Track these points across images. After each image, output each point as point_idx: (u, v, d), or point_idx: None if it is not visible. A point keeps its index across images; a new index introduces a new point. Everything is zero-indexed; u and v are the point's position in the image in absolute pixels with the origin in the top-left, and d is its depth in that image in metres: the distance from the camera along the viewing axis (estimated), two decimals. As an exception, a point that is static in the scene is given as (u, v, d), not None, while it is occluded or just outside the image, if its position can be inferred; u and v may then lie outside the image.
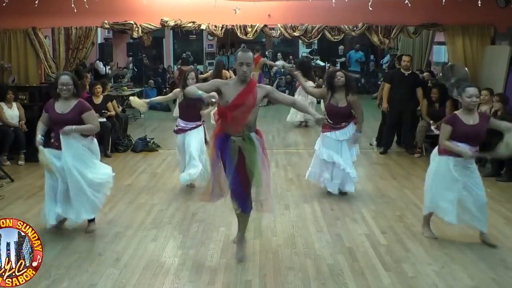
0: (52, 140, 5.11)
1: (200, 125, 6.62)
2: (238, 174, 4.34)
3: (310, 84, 10.84)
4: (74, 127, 4.92)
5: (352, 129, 6.35)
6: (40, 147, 4.98)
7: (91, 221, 5.30)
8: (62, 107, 5.01)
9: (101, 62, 13.10)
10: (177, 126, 6.71)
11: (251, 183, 4.40)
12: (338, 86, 6.28)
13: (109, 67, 13.70)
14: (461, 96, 4.88)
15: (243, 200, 4.44)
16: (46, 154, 4.99)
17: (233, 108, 4.27)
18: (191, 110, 6.50)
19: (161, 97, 7.94)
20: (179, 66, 15.93)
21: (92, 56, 13.07)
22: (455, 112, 5.00)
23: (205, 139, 6.62)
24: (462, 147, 4.76)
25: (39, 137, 5.01)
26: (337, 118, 6.31)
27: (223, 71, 11.25)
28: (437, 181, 4.95)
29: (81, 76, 10.98)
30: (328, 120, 6.31)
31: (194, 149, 6.44)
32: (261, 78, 14.36)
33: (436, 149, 5.05)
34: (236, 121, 4.29)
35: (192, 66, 16.67)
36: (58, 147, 4.99)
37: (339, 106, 6.30)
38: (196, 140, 6.50)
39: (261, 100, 4.42)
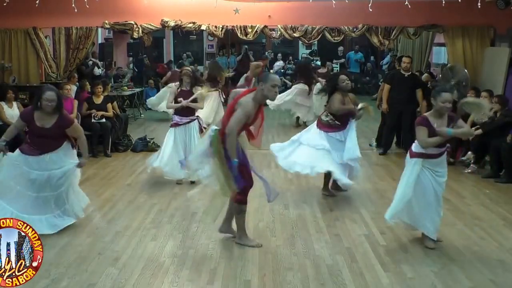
0: (32, 147, 5.08)
1: (194, 120, 7.02)
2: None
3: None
4: (84, 160, 5.18)
5: (351, 125, 6.34)
6: None
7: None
8: (42, 120, 5.04)
9: (90, 61, 12.59)
10: (172, 120, 7.11)
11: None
12: (346, 90, 6.31)
13: (99, 67, 13.49)
14: (435, 99, 4.69)
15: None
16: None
17: (249, 126, 4.79)
18: (186, 108, 6.90)
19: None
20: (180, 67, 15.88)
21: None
22: (425, 114, 4.89)
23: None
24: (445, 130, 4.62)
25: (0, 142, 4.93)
26: (346, 118, 6.31)
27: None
28: (409, 184, 4.79)
29: (83, 76, 11.01)
30: (336, 122, 6.30)
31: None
32: None
33: (408, 154, 4.92)
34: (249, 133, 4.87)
35: (192, 66, 16.67)
36: (35, 153, 5.02)
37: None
38: (196, 136, 6.93)
39: None
